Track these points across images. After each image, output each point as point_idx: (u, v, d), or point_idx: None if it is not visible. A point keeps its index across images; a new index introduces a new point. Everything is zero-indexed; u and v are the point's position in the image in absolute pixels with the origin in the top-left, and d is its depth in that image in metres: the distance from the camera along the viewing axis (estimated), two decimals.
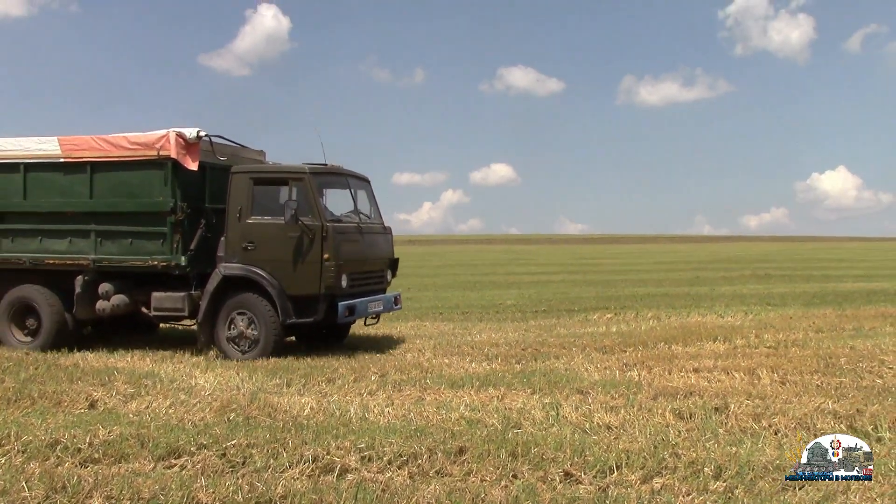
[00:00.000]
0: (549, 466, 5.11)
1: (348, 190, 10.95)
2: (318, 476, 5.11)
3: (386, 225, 11.74)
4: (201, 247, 10.50)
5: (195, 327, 10.74)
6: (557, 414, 6.66)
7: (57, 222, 10.90)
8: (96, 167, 10.66)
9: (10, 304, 11.18)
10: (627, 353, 10.23)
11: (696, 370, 8.74)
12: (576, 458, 5.22)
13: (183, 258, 10.34)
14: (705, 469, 4.99)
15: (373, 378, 8.49)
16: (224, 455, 5.45)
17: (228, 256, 10.23)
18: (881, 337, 11.26)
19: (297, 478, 5.05)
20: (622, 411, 6.68)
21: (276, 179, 10.61)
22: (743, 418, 6.37)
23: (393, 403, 7.20)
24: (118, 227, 10.64)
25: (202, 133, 10.38)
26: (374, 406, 7.05)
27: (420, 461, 5.26)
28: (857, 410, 6.46)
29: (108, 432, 5.91)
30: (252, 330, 10.13)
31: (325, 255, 9.87)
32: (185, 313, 10.58)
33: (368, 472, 5.14)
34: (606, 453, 5.31)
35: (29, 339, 11.11)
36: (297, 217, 9.79)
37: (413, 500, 4.60)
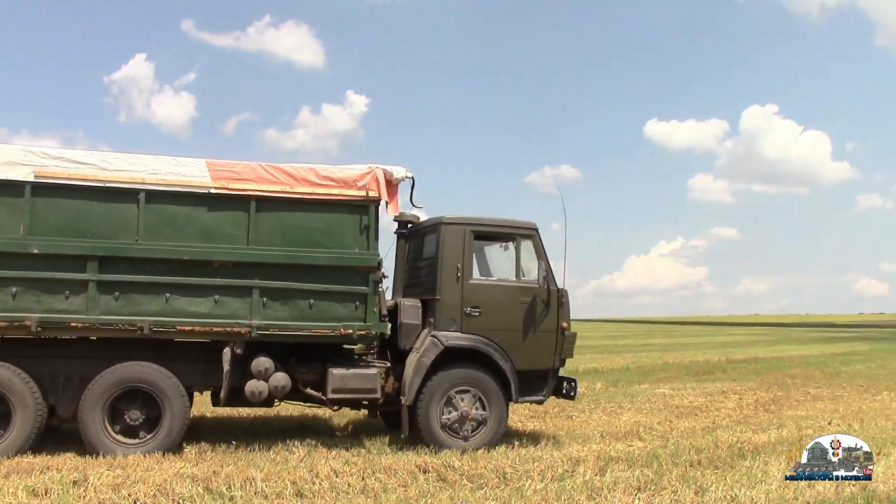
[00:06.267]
0: None
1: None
2: None
3: None
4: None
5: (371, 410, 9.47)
6: None
7: (196, 274, 8.09)
8: (263, 204, 8.28)
9: (107, 391, 7.88)
10: None
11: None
12: None
13: (387, 326, 8.58)
14: None
15: None
16: None
17: (444, 323, 8.71)
18: None
19: None
20: None
21: (500, 234, 9.29)
22: (102, 490, 6.31)
23: None
24: (294, 284, 8.32)
25: (409, 173, 8.85)
26: None
27: None
28: (214, 472, 6.86)
29: None
30: (478, 411, 8.67)
31: (564, 324, 8.99)
32: (378, 395, 8.58)
33: None
34: None
35: (133, 441, 7.96)
36: (549, 281, 8.89)
37: None
